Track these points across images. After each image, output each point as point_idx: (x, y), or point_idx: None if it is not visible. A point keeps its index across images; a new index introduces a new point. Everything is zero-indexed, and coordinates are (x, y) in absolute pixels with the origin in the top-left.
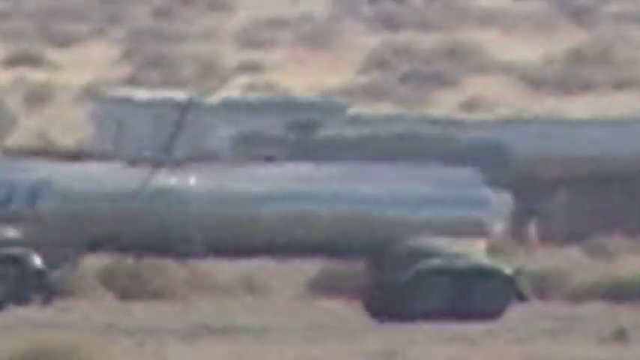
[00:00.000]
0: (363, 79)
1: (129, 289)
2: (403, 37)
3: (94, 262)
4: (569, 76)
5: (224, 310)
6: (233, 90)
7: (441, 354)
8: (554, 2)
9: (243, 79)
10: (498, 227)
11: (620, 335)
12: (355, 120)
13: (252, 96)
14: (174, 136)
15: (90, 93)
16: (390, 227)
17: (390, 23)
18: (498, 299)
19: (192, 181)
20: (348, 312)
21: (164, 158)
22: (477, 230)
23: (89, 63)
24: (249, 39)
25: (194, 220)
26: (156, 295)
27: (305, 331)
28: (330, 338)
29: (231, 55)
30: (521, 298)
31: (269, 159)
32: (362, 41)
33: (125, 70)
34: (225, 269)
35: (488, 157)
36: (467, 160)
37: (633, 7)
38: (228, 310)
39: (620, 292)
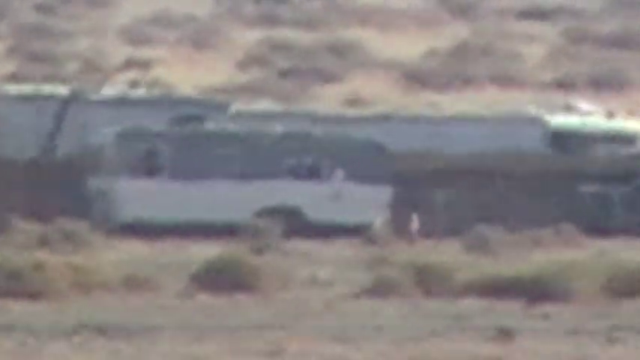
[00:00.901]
0: (244, 76)
1: (8, 288)
2: (282, 34)
3: None
4: (450, 72)
5: (105, 308)
6: (117, 86)
7: (323, 353)
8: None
9: (128, 76)
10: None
11: (505, 333)
12: (238, 116)
13: (136, 92)
14: (54, 131)
15: None
16: None
17: (272, 21)
18: None
19: None
20: (230, 308)
21: None
22: None
23: None
24: (133, 36)
25: None
26: (36, 293)
27: (187, 329)
28: (213, 336)
29: (116, 52)
30: None
31: (151, 154)
32: (244, 39)
33: (8, 67)
34: (107, 266)
35: (370, 152)
36: (349, 156)
37: (515, 3)
38: (109, 308)
39: (501, 288)
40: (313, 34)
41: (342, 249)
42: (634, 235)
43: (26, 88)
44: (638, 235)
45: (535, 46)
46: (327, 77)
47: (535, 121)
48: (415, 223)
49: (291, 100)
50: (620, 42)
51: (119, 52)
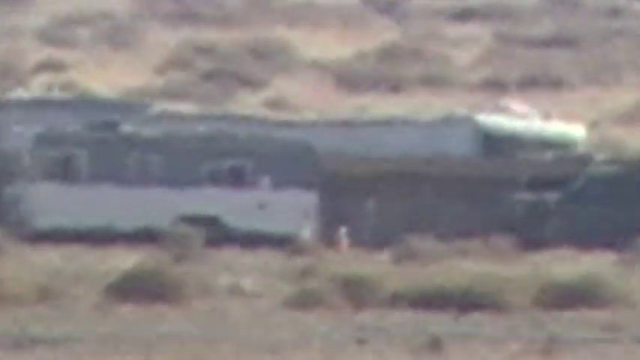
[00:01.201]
0: (164, 78)
1: None
2: (204, 35)
3: None
4: (380, 74)
5: (18, 320)
6: (33, 89)
7: None
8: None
9: (43, 78)
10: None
11: (434, 344)
12: (157, 119)
13: (52, 95)
14: None
15: None
16: None
17: (193, 20)
18: None
19: None
20: (147, 318)
21: None
22: None
23: None
24: (49, 37)
25: None
26: None
27: (104, 341)
28: (130, 349)
29: (31, 54)
30: None
31: (67, 159)
32: (162, 39)
33: None
34: (21, 276)
35: (296, 157)
36: (275, 160)
37: (444, 3)
38: (22, 320)
39: (431, 299)
40: (236, 34)
41: (266, 259)
42: (569, 246)
43: None
44: (574, 245)
45: (466, 47)
46: (252, 80)
47: (466, 124)
48: (344, 239)
49: (213, 105)
50: (553, 42)
51: (35, 54)
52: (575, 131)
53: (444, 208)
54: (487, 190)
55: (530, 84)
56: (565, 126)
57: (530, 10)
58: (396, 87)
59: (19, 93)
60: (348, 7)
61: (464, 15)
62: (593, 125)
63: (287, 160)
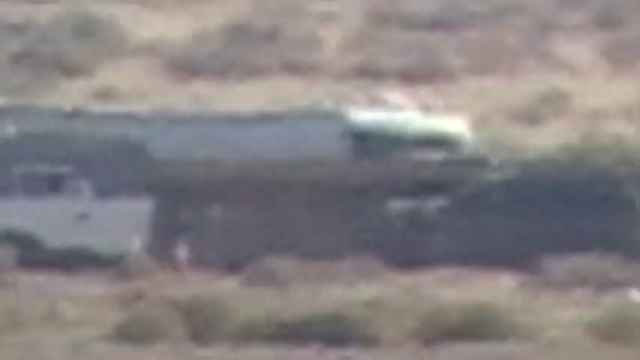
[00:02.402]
0: None
1: None
2: (15, 10)
3: None
4: (227, 59)
5: None
6: None
7: None
8: None
9: None
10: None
11: None
12: None
13: None
14: None
15: None
16: None
17: None
18: None
19: None
20: None
21: None
22: None
23: None
24: None
25: None
26: None
27: None
28: None
29: None
30: None
31: None
32: None
33: None
34: None
35: (126, 159)
36: (102, 160)
37: None
38: None
39: (291, 331)
40: (53, 10)
41: (89, 282)
42: (458, 265)
43: None
44: (463, 265)
45: (333, 27)
46: (72, 65)
47: (333, 119)
48: (183, 250)
49: (25, 94)
50: (436, 23)
51: None
52: (462, 127)
53: (307, 221)
54: (358, 198)
55: (410, 72)
56: (450, 121)
57: None
58: (247, 74)
59: None
60: None
61: None
62: (482, 121)
63: (114, 162)
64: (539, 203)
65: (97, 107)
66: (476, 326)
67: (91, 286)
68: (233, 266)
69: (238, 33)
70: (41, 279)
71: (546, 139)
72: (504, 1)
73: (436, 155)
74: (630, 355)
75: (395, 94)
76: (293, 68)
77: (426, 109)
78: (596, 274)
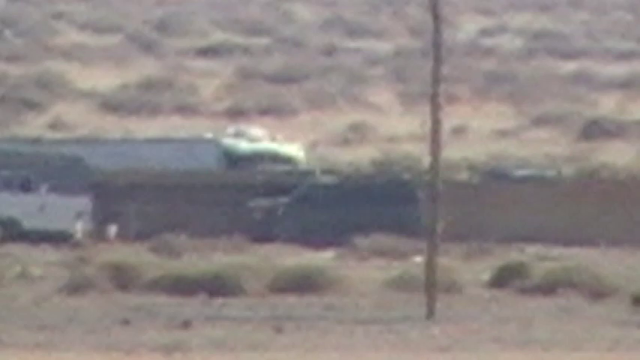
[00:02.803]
0: None
1: None
2: None
3: None
4: (140, 102)
5: None
6: None
7: (30, 341)
8: (127, 37)
9: None
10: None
11: (186, 323)
12: None
13: None
14: None
15: None
16: None
17: None
18: None
19: None
20: None
21: None
22: None
23: None
24: None
25: None
26: None
27: None
28: None
29: None
30: None
31: None
32: None
33: None
34: None
35: (70, 168)
36: (55, 169)
37: (194, 42)
38: None
39: (183, 286)
40: (22, 67)
41: (49, 251)
42: (297, 242)
43: None
44: (298, 241)
45: (211, 80)
46: (35, 105)
47: (211, 144)
48: (112, 230)
49: (4, 126)
50: (282, 76)
51: None
52: (298, 149)
53: (195, 211)
54: (230, 196)
55: (264, 111)
56: (291, 145)
57: (263, 48)
58: (153, 112)
59: None
60: (115, 46)
61: (209, 52)
62: (313, 145)
63: (63, 170)
64: (351, 200)
65: (51, 135)
66: (309, 283)
67: (51, 254)
68: (144, 240)
69: (147, 84)
70: (17, 249)
71: (356, 157)
72: (330, 61)
73: (282, 168)
74: (414, 298)
75: (255, 128)
76: (183, 109)
77: (274, 137)
78: (391, 248)
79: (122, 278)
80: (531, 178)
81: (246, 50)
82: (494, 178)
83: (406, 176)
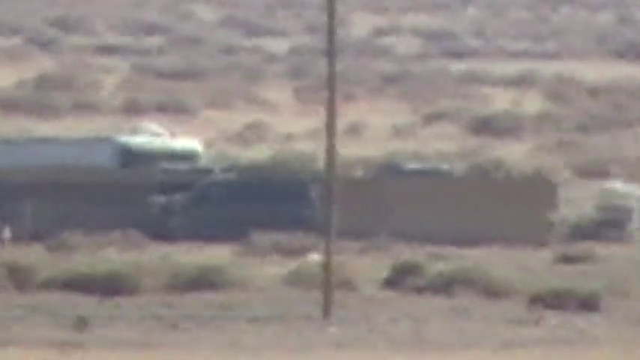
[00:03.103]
0: None
1: None
2: None
3: None
4: (38, 100)
5: None
6: None
7: None
8: (24, 36)
9: None
10: None
11: (81, 321)
12: None
13: None
14: None
15: None
16: None
17: None
18: None
19: None
20: None
21: None
22: None
23: None
24: None
25: None
26: None
27: None
28: None
29: None
30: None
31: None
32: None
33: None
34: None
35: None
36: None
37: (92, 40)
38: None
39: (79, 284)
40: None
41: None
42: (192, 240)
43: None
44: (196, 239)
45: (109, 77)
46: None
47: (108, 141)
48: (7, 233)
49: None
50: (180, 74)
51: None
52: (196, 146)
53: (92, 209)
54: (126, 193)
55: (162, 109)
56: (189, 142)
57: (160, 46)
58: (51, 110)
59: None
60: (12, 45)
61: (106, 50)
62: (210, 142)
63: None
64: (249, 197)
65: None
66: (206, 280)
67: None
68: (39, 239)
69: (45, 81)
70: None
71: (253, 154)
72: (228, 59)
73: (180, 165)
74: (310, 295)
75: (153, 125)
76: (82, 107)
77: (172, 134)
78: (288, 245)
79: (17, 278)
80: (425, 172)
81: (144, 49)
82: (388, 172)
83: (302, 174)
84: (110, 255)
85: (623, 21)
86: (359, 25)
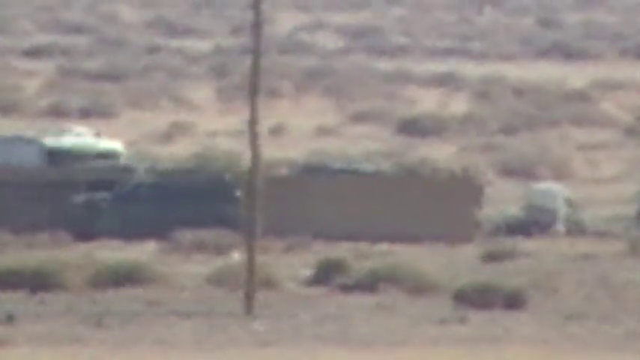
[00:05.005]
0: None
1: None
2: None
3: None
4: None
5: None
6: None
7: None
8: None
9: None
10: None
11: (8, 318)
12: None
13: None
14: None
15: None
16: None
17: None
18: None
19: None
20: None
21: None
22: None
23: None
24: None
25: None
26: None
27: None
28: None
29: None
30: None
31: None
32: None
33: None
34: None
35: None
36: None
37: (17, 42)
38: None
39: (4, 281)
40: None
41: None
42: (119, 237)
43: None
44: (120, 237)
45: (34, 79)
46: None
47: (34, 142)
48: None
49: None
50: (104, 75)
51: None
52: (118, 147)
53: (16, 208)
54: (52, 193)
55: (87, 110)
56: (112, 142)
57: (86, 48)
58: None
59: None
60: None
61: (32, 52)
62: (135, 142)
63: None
64: (173, 196)
65: None
66: (131, 278)
67: None
68: None
69: None
70: None
71: (177, 154)
72: (152, 60)
73: (104, 165)
74: (233, 295)
75: (77, 126)
76: (6, 108)
77: (96, 134)
78: (212, 243)
79: None
80: (349, 171)
81: (68, 50)
82: (313, 171)
83: (226, 172)
84: (36, 253)
85: (546, 24)
86: (283, 23)
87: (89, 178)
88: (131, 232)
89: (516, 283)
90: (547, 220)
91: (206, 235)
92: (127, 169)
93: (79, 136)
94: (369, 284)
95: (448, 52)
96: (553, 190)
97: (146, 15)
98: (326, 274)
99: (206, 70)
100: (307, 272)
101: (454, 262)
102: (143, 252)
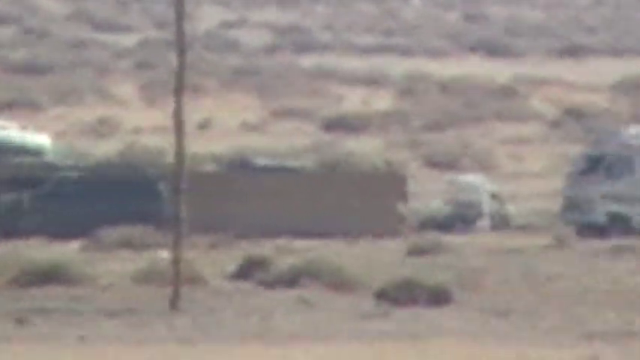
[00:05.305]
0: None
1: None
2: None
3: None
4: None
5: None
6: None
7: None
8: None
9: None
10: None
11: None
12: None
13: None
14: None
15: None
16: None
17: None
18: None
19: None
20: None
21: None
22: None
23: None
24: None
25: None
26: None
27: None
28: None
29: None
30: None
31: None
32: None
33: None
34: None
35: None
36: None
37: None
38: None
39: None
40: None
41: None
42: (42, 235)
43: None
44: (44, 234)
45: None
46: None
47: None
48: None
49: None
50: (28, 68)
51: None
52: (44, 141)
53: None
54: None
55: (10, 103)
56: (38, 137)
57: (8, 39)
58: None
59: None
60: None
61: None
62: (59, 137)
63: None
64: (97, 193)
65: None
66: (55, 276)
67: None
68: None
69: None
70: None
71: (102, 150)
72: (76, 54)
73: (28, 161)
74: (159, 291)
75: (1, 120)
76: None
77: (22, 128)
78: (137, 240)
79: None
80: (274, 168)
81: None
82: (238, 168)
83: (150, 169)
84: None
85: (471, 18)
86: (206, 18)
87: (13, 174)
88: (55, 230)
89: (441, 278)
90: (471, 214)
91: (130, 232)
92: (53, 166)
93: (3, 129)
94: (292, 280)
95: (373, 48)
96: (476, 183)
97: (70, 8)
98: (250, 270)
99: (131, 65)
100: (232, 267)
101: (379, 258)
102: (67, 250)
